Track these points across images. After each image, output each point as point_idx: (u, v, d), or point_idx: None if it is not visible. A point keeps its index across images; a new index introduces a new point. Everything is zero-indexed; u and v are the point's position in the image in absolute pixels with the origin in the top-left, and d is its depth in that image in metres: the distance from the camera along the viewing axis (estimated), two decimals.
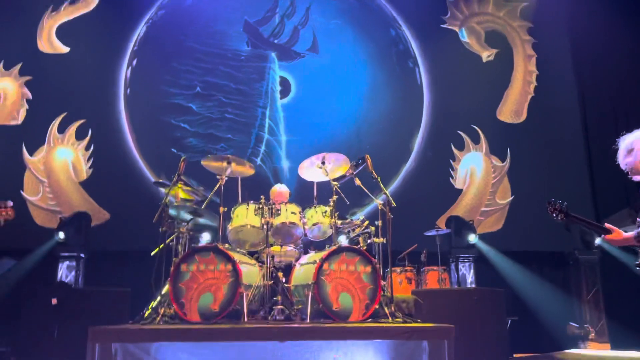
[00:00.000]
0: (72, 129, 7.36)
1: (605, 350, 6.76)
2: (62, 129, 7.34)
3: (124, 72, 7.67)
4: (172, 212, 4.69)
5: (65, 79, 7.47)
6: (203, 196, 5.12)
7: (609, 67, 8.26)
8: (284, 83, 8.01)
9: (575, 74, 8.54)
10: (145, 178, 7.34)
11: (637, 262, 3.12)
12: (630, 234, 2.90)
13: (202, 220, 4.85)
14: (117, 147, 7.40)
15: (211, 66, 7.84)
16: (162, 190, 5.19)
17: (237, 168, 4.93)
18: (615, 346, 6.97)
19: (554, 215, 3.20)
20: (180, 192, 4.95)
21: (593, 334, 7.23)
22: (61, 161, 7.28)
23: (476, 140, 8.22)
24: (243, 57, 7.99)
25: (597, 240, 7.47)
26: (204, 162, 4.87)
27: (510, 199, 8.09)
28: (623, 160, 3.11)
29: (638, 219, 3.09)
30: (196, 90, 7.71)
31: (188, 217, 4.76)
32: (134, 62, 7.72)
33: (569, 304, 7.49)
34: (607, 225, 3.07)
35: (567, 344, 6.99)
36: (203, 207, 4.89)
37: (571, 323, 7.18)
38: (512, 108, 8.42)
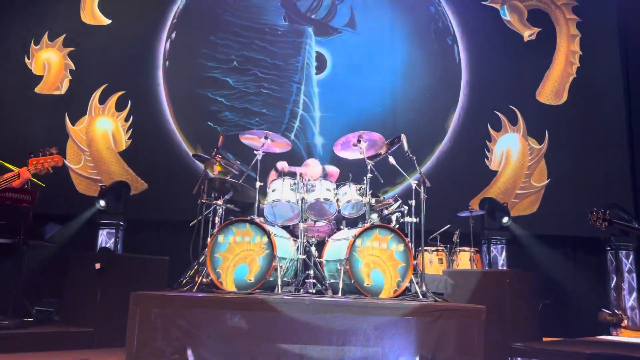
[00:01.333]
0: (113, 99, 7.53)
1: (638, 338, 6.67)
2: (102, 100, 7.52)
3: (163, 44, 7.76)
4: (210, 185, 4.81)
5: (106, 50, 7.62)
6: (240, 170, 5.21)
7: None
8: (320, 59, 7.98)
9: (620, 56, 8.24)
10: (182, 150, 7.49)
11: None
12: None
13: (238, 194, 4.94)
14: (155, 118, 7.55)
15: (248, 40, 7.86)
16: (199, 163, 5.29)
17: (273, 144, 5.00)
18: None
19: (597, 224, 3.16)
20: (218, 166, 5.05)
21: (626, 322, 7.14)
22: (102, 131, 7.48)
23: (514, 121, 8.07)
24: (280, 31, 7.97)
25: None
26: (242, 137, 4.95)
27: (547, 182, 7.95)
28: None
29: None
30: (233, 65, 7.76)
31: (225, 190, 4.87)
32: (173, 35, 7.81)
33: (603, 290, 7.39)
34: None
35: (599, 331, 6.92)
36: (240, 180, 4.99)
37: (603, 309, 7.09)
38: (552, 89, 8.20)
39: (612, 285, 7.40)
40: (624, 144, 7.97)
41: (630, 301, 7.31)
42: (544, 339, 5.64)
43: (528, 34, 8.32)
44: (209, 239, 4.48)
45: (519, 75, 8.15)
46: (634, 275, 7.38)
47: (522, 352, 4.70)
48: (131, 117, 7.53)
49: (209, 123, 7.53)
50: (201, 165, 5.18)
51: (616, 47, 8.28)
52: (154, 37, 7.75)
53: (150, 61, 7.70)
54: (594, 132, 7.94)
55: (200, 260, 4.53)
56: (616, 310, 7.19)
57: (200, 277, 4.35)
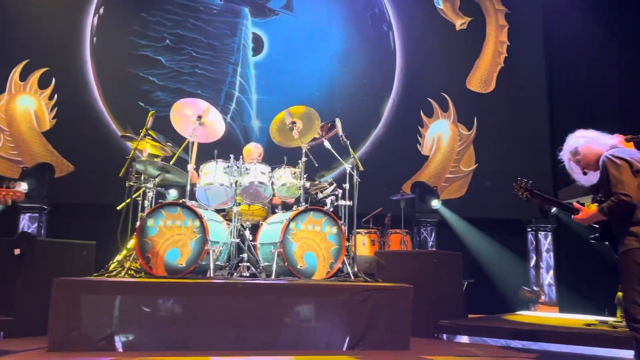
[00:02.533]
0: (35, 76, 7.11)
1: (553, 313, 7.17)
2: (24, 77, 7.08)
3: (90, 19, 7.38)
4: (139, 167, 4.67)
5: (28, 24, 7.14)
6: (171, 152, 5.09)
7: (579, 42, 8.41)
8: (257, 40, 7.88)
9: (544, 47, 8.68)
10: (111, 130, 7.20)
11: (592, 236, 3.29)
12: (595, 210, 3.05)
13: (169, 176, 4.82)
14: (82, 97, 7.19)
15: (182, 19, 7.61)
16: (129, 144, 5.11)
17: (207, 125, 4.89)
18: (563, 309, 7.39)
19: (519, 193, 3.31)
20: (148, 147, 4.90)
21: (543, 298, 7.64)
22: (23, 110, 7.05)
23: (445, 108, 8.34)
24: (215, 10, 7.78)
25: (553, 210, 7.80)
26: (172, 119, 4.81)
27: (474, 167, 8.30)
28: (573, 161, 3.23)
29: (596, 196, 3.24)
30: (166, 43, 7.50)
31: (156, 172, 4.74)
32: (101, 10, 7.43)
33: (524, 269, 7.86)
34: (575, 204, 3.20)
35: (520, 307, 7.37)
36: (171, 163, 4.87)
37: (524, 287, 7.55)
38: (482, 78, 8.53)
39: (532, 264, 7.88)
40: (546, 132, 8.44)
41: (547, 279, 7.82)
42: (469, 316, 5.93)
43: (460, 23, 8.58)
44: (138, 223, 4.36)
45: (450, 63, 8.41)
46: (552, 254, 7.90)
47: (448, 329, 4.93)
48: (56, 96, 7.14)
49: (140, 103, 7.27)
50: (131, 146, 4.99)
51: (541, 38, 8.71)
52: (81, 12, 7.35)
53: (77, 37, 7.31)
54: (519, 120, 8.35)
55: (129, 245, 4.40)
56: (535, 288, 7.68)
57: (129, 262, 4.24)
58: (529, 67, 8.64)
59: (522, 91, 8.52)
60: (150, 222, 4.28)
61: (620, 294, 6.50)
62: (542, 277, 7.74)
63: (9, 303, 4.37)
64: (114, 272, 4.26)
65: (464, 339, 4.82)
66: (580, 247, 6.93)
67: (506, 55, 8.64)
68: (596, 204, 3.12)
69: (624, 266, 2.92)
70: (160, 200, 4.57)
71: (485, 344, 4.65)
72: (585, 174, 3.20)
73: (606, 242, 3.18)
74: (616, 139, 3.19)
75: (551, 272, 7.82)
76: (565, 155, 3.28)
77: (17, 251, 4.36)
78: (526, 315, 6.48)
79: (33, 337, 4.13)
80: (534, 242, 7.91)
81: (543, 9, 8.77)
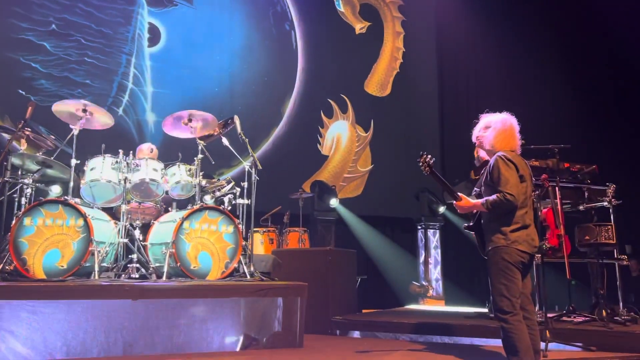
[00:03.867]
0: None
1: (439, 306, 7.63)
2: None
3: None
4: (15, 161, 4.28)
5: None
6: (54, 146, 4.72)
7: (468, 51, 9.02)
8: (153, 31, 7.53)
9: (437, 54, 9.21)
10: None
11: (465, 225, 3.55)
12: (478, 201, 3.27)
13: (51, 172, 4.48)
14: None
15: (70, 3, 7.07)
16: (5, 136, 4.68)
17: (94, 117, 4.58)
18: (449, 303, 7.88)
19: (422, 166, 3.47)
20: (27, 140, 4.52)
21: (431, 292, 8.10)
22: None
23: (344, 109, 8.55)
24: None
25: (441, 209, 8.31)
26: (55, 108, 4.45)
27: (370, 167, 8.61)
28: (477, 133, 3.46)
29: (475, 189, 3.49)
30: (51, 28, 6.94)
31: (35, 167, 4.37)
32: None
33: (414, 265, 8.28)
34: (460, 194, 3.41)
35: (409, 301, 7.76)
36: (53, 157, 4.52)
37: (414, 282, 7.96)
38: (379, 81, 8.87)
39: (421, 260, 8.32)
40: (437, 136, 8.97)
41: (435, 274, 8.30)
42: (363, 311, 6.15)
43: (359, 27, 8.84)
44: (13, 222, 4.01)
45: (350, 65, 8.64)
46: (439, 251, 8.39)
47: (341, 325, 5.07)
48: None
49: (21, 91, 6.66)
50: (7, 138, 4.57)
51: (434, 46, 9.23)
52: None
53: None
54: (412, 124, 8.79)
55: (3, 246, 4.03)
56: (424, 282, 8.12)
57: (2, 264, 3.89)
58: (422, 73, 9.13)
59: (415, 96, 8.98)
60: (27, 221, 3.94)
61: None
62: (431, 273, 8.20)
63: None
64: None
65: (356, 334, 4.98)
66: (465, 244, 7.44)
67: (402, 60, 9.05)
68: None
69: (492, 262, 3.18)
70: (39, 198, 4.23)
71: (375, 338, 4.84)
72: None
73: (476, 234, 3.44)
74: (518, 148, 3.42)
75: (438, 268, 8.31)
76: (480, 123, 3.48)
77: None
78: (414, 309, 6.84)
79: None
80: (424, 239, 8.36)
81: (435, 17, 9.29)
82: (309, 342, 4.27)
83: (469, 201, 3.35)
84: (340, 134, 8.51)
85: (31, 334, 3.48)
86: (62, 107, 4.37)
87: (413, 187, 8.28)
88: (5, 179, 4.16)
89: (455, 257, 8.43)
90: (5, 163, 4.12)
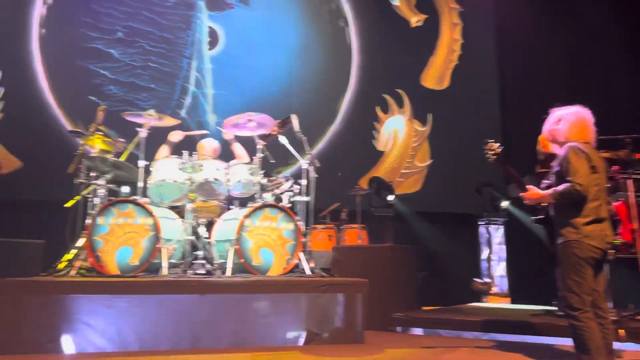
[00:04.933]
0: None
1: (504, 303, 7.41)
2: None
3: (38, 9, 7.10)
4: (88, 163, 4.54)
5: None
6: (123, 148, 4.97)
7: (530, 39, 8.68)
8: (213, 34, 7.76)
9: (496, 45, 8.92)
10: (60, 125, 6.95)
11: (534, 218, 3.44)
12: (547, 191, 3.17)
13: (121, 173, 4.71)
14: (30, 91, 6.90)
15: (134, 11, 7.41)
16: (79, 140, 4.96)
17: (160, 122, 4.81)
18: (515, 300, 7.64)
19: (489, 154, 3.41)
20: (99, 143, 4.77)
21: (495, 289, 7.88)
22: None
23: (400, 104, 8.46)
24: (169, 3, 7.61)
25: (504, 204, 8.05)
26: (125, 115, 4.71)
27: (429, 162, 8.47)
28: (549, 127, 3.36)
29: (544, 182, 3.38)
30: (118, 36, 7.29)
31: (106, 169, 4.62)
32: (50, 0, 7.16)
33: (475, 261, 8.08)
34: (527, 186, 3.32)
35: (472, 298, 7.58)
36: (122, 158, 4.76)
37: (475, 279, 7.77)
38: (436, 74, 8.70)
39: (484, 256, 8.11)
40: (498, 128, 8.70)
41: (499, 270, 8.07)
42: (423, 308, 6.07)
43: (415, 20, 8.71)
44: (88, 221, 4.25)
45: (406, 59, 8.52)
46: (503, 247, 8.15)
47: (402, 321, 5.03)
48: (2, 89, 6.84)
49: (92, 97, 7.04)
50: (81, 142, 4.84)
51: (493, 36, 8.95)
52: (27, 2, 7.05)
53: (24, 28, 7.01)
54: (472, 117, 8.56)
55: (79, 244, 4.29)
56: (487, 280, 7.91)
57: (80, 261, 4.14)
58: (481, 64, 8.87)
59: (475, 88, 8.74)
60: (100, 220, 4.18)
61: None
62: (494, 269, 7.98)
63: None
64: (63, 272, 4.14)
65: (418, 331, 4.94)
66: (530, 240, 7.16)
67: (460, 52, 8.83)
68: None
69: (562, 257, 3.06)
70: (110, 198, 4.46)
71: (438, 335, 4.78)
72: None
73: (545, 227, 3.33)
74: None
75: (503, 264, 8.06)
76: (552, 116, 3.38)
77: None
78: (478, 307, 6.69)
79: None
80: (486, 235, 8.14)
81: (494, 6, 9.00)
82: (370, 338, 4.28)
83: (537, 192, 3.25)
84: (397, 129, 8.43)
85: (107, 327, 3.68)
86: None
87: (474, 182, 8.07)
88: (81, 180, 4.41)
89: (520, 253, 8.14)
90: (80, 166, 4.37)
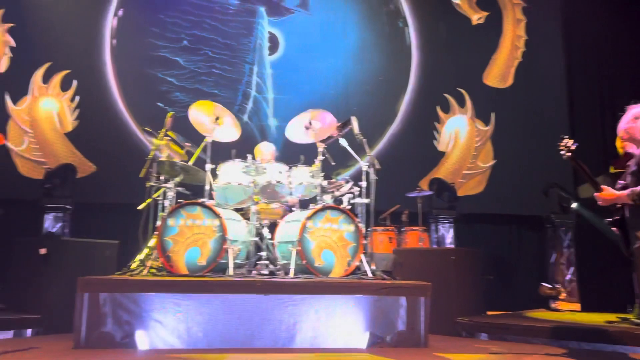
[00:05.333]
0: (57, 79, 7.25)
1: (574, 310, 7.08)
2: (46, 79, 7.22)
3: (110, 21, 7.50)
4: (159, 167, 4.75)
5: (49, 27, 7.29)
6: (190, 152, 5.16)
7: (598, 35, 8.30)
8: (273, 39, 7.92)
9: (564, 41, 8.56)
10: (131, 131, 7.31)
11: (608, 220, 3.29)
12: (623, 192, 3.03)
13: (189, 176, 4.90)
14: (102, 99, 7.32)
15: (198, 19, 7.69)
16: (149, 144, 5.20)
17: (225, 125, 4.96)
18: (585, 307, 7.29)
19: (562, 151, 3.31)
20: (168, 148, 4.99)
21: (564, 295, 7.55)
22: (46, 112, 7.20)
23: (462, 104, 8.29)
24: (231, 10, 7.84)
25: (573, 205, 7.70)
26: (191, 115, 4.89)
27: (492, 163, 8.24)
28: (625, 125, 3.22)
29: (619, 182, 3.24)
30: (183, 44, 7.59)
31: (175, 172, 4.82)
32: (120, 12, 7.55)
33: (543, 265, 7.78)
34: (602, 186, 3.20)
35: (539, 304, 7.30)
36: (190, 163, 4.94)
37: (543, 283, 7.48)
38: (499, 73, 8.46)
39: (552, 260, 7.79)
40: (565, 127, 8.33)
41: (568, 275, 7.73)
42: (488, 313, 5.91)
43: (476, 17, 8.51)
44: (158, 223, 4.45)
45: (467, 58, 8.34)
46: (573, 250, 7.80)
47: (467, 326, 4.93)
48: (77, 98, 7.28)
49: (159, 104, 7.37)
50: (151, 147, 5.08)
51: (559, 32, 8.59)
52: (100, 14, 7.47)
53: (97, 39, 7.44)
54: (537, 115, 8.25)
55: (150, 244, 4.49)
56: (555, 284, 7.59)
57: (151, 261, 4.33)
58: (547, 60, 8.53)
59: (540, 85, 8.42)
60: (170, 222, 4.36)
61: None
62: (563, 274, 7.65)
63: (36, 301, 4.50)
64: (136, 271, 4.35)
65: (483, 336, 4.81)
66: (601, 243, 6.82)
67: (524, 49, 8.54)
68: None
69: (639, 261, 2.91)
70: (180, 200, 4.65)
71: (504, 341, 4.64)
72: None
73: (620, 230, 3.17)
74: None
75: (572, 269, 7.72)
76: (628, 113, 3.26)
77: (42, 251, 4.48)
78: (546, 312, 6.44)
79: (59, 334, 4.26)
80: (554, 238, 7.81)
81: (561, 0, 8.65)
82: (434, 343, 4.22)
83: (613, 192, 3.10)
84: (458, 129, 8.26)
85: (177, 325, 3.84)
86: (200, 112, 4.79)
87: (540, 183, 7.78)
88: (151, 183, 4.62)
89: (590, 256, 7.76)
90: (150, 169, 4.58)
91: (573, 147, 3.26)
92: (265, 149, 5.69)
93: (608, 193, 3.11)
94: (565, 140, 3.29)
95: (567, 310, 6.93)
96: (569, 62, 8.52)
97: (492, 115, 8.30)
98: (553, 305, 7.35)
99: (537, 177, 7.78)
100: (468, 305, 5.23)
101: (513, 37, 8.56)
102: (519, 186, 7.99)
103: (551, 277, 7.72)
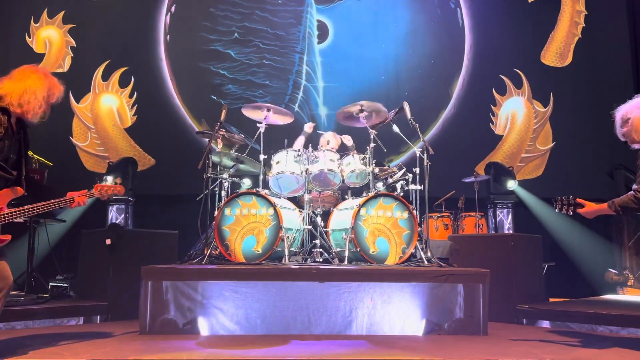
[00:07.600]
0: (116, 76, 7.54)
1: None
2: (106, 77, 7.53)
3: (164, 18, 7.71)
4: (214, 159, 4.86)
5: (106, 26, 7.59)
6: (244, 143, 5.25)
7: None
8: (322, 28, 7.90)
9: (628, 13, 8.06)
10: (187, 124, 7.52)
11: None
12: (603, 205, 2.92)
13: (243, 167, 4.99)
14: (159, 94, 7.56)
15: (248, 11, 7.77)
16: (205, 138, 5.32)
17: (276, 116, 5.01)
18: None
19: (564, 211, 3.22)
20: (222, 140, 5.09)
21: (632, 281, 7.20)
22: (106, 108, 7.52)
23: (518, 85, 7.99)
24: (280, 0, 7.88)
25: None
26: (244, 111, 4.98)
27: (552, 145, 7.92)
28: (619, 130, 3.07)
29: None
30: (234, 36, 7.70)
31: (230, 163, 4.92)
32: (173, 9, 7.74)
33: (609, 251, 7.44)
34: (578, 199, 3.14)
35: (605, 290, 7.00)
36: (244, 154, 5.03)
37: (610, 269, 7.16)
38: (557, 51, 8.08)
39: (619, 245, 7.43)
40: None
41: (637, 261, 7.35)
42: (551, 300, 5.72)
43: None
44: (216, 212, 4.56)
45: (523, 37, 8.03)
46: None
47: (528, 313, 4.78)
48: (135, 94, 7.55)
49: (213, 97, 7.54)
50: (206, 139, 5.21)
51: (623, 5, 8.11)
52: (154, 11, 7.70)
53: (151, 36, 7.67)
54: (599, 94, 7.84)
55: (209, 233, 4.62)
56: (623, 270, 7.25)
57: (209, 250, 4.45)
58: (610, 36, 8.08)
59: (602, 62, 8.00)
60: (227, 211, 4.47)
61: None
62: (630, 259, 7.28)
63: (103, 289, 4.72)
64: (196, 260, 4.48)
65: (545, 324, 4.66)
66: None
67: (584, 25, 8.12)
68: None
69: None
70: (235, 190, 4.74)
71: (568, 329, 4.48)
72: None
73: None
74: None
75: None
76: (617, 119, 3.14)
77: (107, 241, 4.69)
78: (613, 299, 6.16)
79: (126, 320, 4.46)
80: (621, 223, 7.45)
81: None
82: (494, 330, 4.12)
83: (593, 206, 3.00)
84: (515, 111, 7.98)
85: (236, 311, 3.93)
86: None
87: (604, 164, 7.42)
88: (208, 175, 4.74)
89: None
90: (207, 162, 4.69)
91: (572, 201, 3.15)
92: (332, 139, 5.68)
93: (589, 207, 2.98)
94: (559, 202, 3.18)
95: (636, 297, 6.60)
96: (634, 34, 8.02)
97: (551, 96, 7.97)
98: (620, 291, 7.03)
99: (600, 159, 7.43)
100: (528, 292, 5.06)
101: (572, 12, 8.15)
102: (580, 168, 7.66)
103: (618, 262, 7.37)
